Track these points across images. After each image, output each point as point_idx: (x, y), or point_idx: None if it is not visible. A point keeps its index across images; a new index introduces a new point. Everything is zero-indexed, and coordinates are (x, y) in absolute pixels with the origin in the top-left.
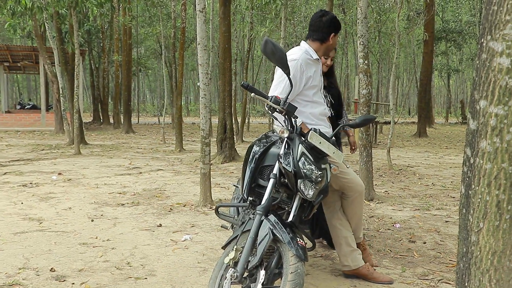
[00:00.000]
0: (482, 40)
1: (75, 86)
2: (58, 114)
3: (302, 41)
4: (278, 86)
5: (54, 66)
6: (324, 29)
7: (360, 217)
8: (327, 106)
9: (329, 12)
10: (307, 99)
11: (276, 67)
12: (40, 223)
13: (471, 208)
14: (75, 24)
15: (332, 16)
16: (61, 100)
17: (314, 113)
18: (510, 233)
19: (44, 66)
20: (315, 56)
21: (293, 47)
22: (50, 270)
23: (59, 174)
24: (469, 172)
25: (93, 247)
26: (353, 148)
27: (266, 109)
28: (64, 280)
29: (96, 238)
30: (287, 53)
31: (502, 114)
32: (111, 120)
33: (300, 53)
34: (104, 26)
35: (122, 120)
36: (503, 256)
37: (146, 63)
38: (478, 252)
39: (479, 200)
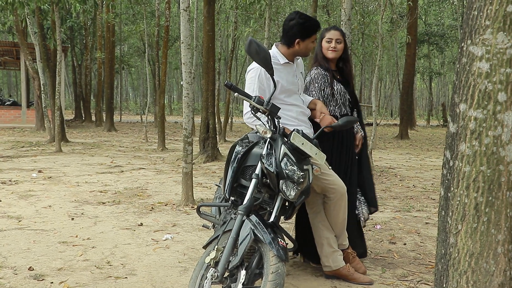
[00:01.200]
0: (463, 44)
1: (56, 83)
2: (39, 111)
3: (275, 44)
4: (250, 87)
5: (36, 62)
6: (289, 33)
7: (343, 223)
8: (347, 105)
9: (299, 15)
10: (280, 102)
11: (248, 69)
12: (19, 221)
13: (450, 210)
14: (57, 20)
15: (299, 22)
16: (42, 97)
17: (291, 116)
18: (487, 235)
19: (25, 62)
20: (282, 60)
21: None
22: (29, 269)
23: (39, 171)
24: (448, 174)
25: (73, 246)
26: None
27: (249, 109)
28: (43, 279)
29: (76, 236)
30: (249, 67)
31: (481, 118)
32: (93, 118)
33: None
34: (87, 23)
35: (104, 118)
36: (480, 258)
37: (129, 61)
38: (456, 254)
39: (457, 202)
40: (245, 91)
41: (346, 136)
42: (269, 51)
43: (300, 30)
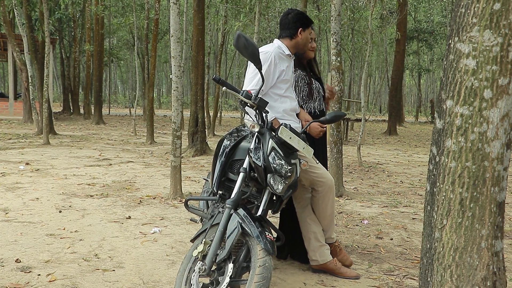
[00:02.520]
0: (450, 41)
1: (44, 75)
2: (27, 103)
3: (275, 38)
4: (252, 81)
5: (23, 54)
6: (291, 25)
7: (331, 216)
8: (322, 99)
9: (295, 9)
10: (280, 92)
11: (249, 62)
12: (6, 213)
13: (436, 205)
14: (45, 12)
15: (297, 12)
16: (30, 89)
17: (285, 108)
18: (472, 230)
19: (12, 53)
20: (287, 51)
21: (267, 42)
22: (16, 261)
23: (27, 164)
24: (434, 170)
25: (61, 238)
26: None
27: (238, 103)
28: (30, 272)
29: (64, 229)
30: (260, 49)
31: (467, 114)
32: (82, 111)
33: (273, 47)
34: (76, 15)
35: (92, 110)
36: (464, 253)
37: (118, 54)
38: (441, 248)
39: (443, 197)
40: (249, 72)
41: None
42: (274, 42)
43: (300, 19)
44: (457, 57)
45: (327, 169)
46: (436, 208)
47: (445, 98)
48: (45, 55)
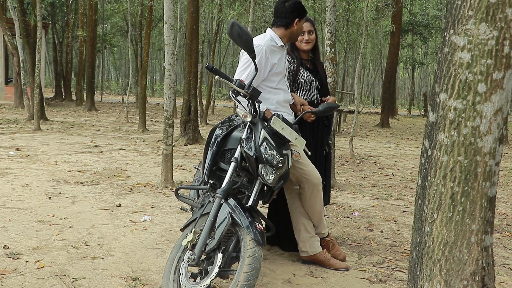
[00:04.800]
0: (445, 34)
1: (36, 60)
2: (18, 88)
3: (268, 28)
4: (244, 71)
5: (15, 38)
6: (287, 14)
7: (320, 213)
8: (316, 92)
9: None
10: (272, 85)
11: (242, 51)
12: None
13: (427, 199)
14: None
15: (295, 1)
16: (21, 74)
17: (278, 100)
18: (462, 224)
19: (4, 37)
20: (279, 43)
21: (261, 31)
22: (4, 247)
23: (17, 149)
24: (426, 163)
25: (50, 225)
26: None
27: (230, 92)
28: (18, 258)
29: (53, 216)
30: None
31: (461, 108)
32: (74, 97)
33: (265, 40)
34: (69, 0)
35: (85, 97)
36: (454, 247)
37: (111, 40)
38: (431, 242)
39: (434, 191)
40: (241, 62)
41: (317, 128)
42: (267, 33)
43: (298, 9)
44: (452, 50)
45: (327, 164)
46: (427, 202)
47: (439, 91)
48: (37, 39)
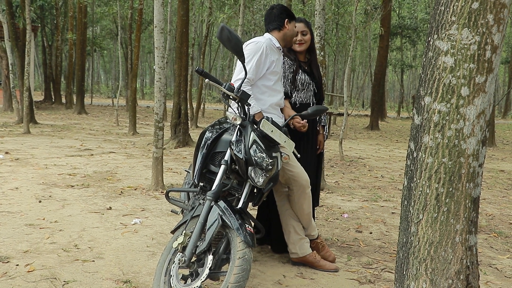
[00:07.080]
0: (429, 38)
1: (26, 63)
2: (7, 91)
3: (265, 32)
4: (247, 57)
5: (3, 41)
6: (277, 17)
7: (309, 215)
8: (312, 95)
9: (279, 4)
10: (269, 84)
11: (254, 39)
12: None
13: (412, 200)
14: None
15: (281, 6)
16: (10, 77)
17: (271, 102)
18: (447, 224)
19: None
20: (277, 44)
21: (251, 35)
22: None
23: (6, 153)
24: (412, 165)
25: (40, 228)
26: (319, 147)
27: (221, 95)
28: (8, 262)
29: (44, 219)
30: (252, 39)
31: (445, 111)
32: (63, 100)
33: (265, 38)
34: (58, 3)
35: (74, 100)
36: (439, 247)
37: (101, 43)
38: (417, 242)
39: (420, 192)
40: (237, 69)
41: (310, 132)
42: (264, 36)
43: (285, 11)
44: (435, 55)
45: (320, 170)
46: (412, 203)
47: (424, 94)
48: (26, 42)
